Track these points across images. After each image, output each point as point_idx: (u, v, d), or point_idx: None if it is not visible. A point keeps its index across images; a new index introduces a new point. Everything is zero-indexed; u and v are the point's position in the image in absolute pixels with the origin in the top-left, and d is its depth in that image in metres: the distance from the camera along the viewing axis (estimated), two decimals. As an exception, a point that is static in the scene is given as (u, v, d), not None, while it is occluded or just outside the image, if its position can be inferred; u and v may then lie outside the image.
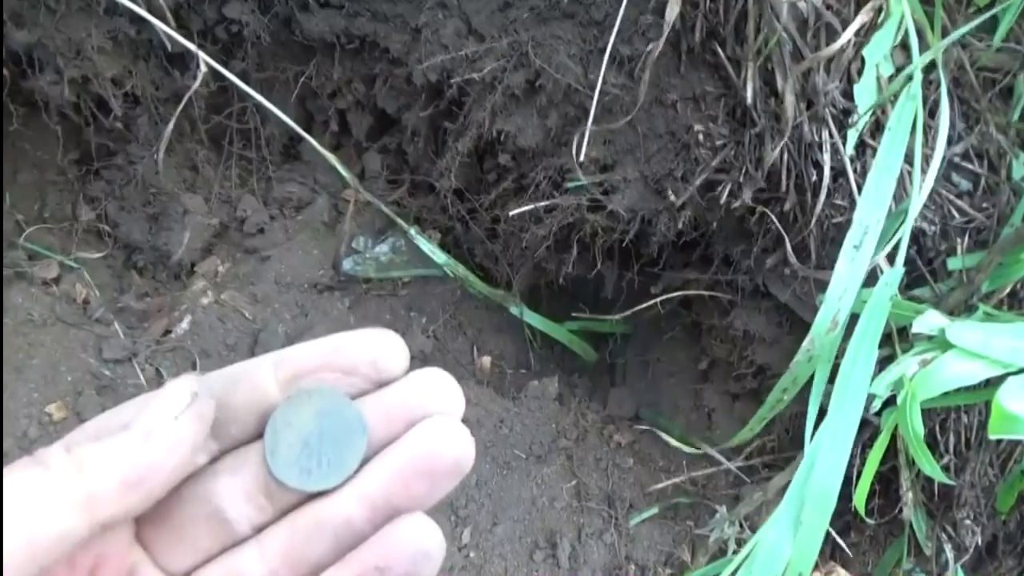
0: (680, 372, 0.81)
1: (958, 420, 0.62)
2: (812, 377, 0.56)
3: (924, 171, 0.56)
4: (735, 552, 0.66)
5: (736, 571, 0.56)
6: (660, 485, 0.74)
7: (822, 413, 0.53)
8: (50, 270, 0.67)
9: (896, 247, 0.55)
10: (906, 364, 0.53)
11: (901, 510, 0.62)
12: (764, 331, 0.69)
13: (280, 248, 0.73)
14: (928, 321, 0.53)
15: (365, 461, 0.25)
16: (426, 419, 0.24)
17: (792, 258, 0.62)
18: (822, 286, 0.57)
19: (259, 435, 0.26)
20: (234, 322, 0.71)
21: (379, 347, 0.25)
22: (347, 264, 0.75)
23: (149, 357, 0.68)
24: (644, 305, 0.72)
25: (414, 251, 0.75)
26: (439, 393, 0.25)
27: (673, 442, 0.73)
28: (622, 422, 0.80)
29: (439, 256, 0.75)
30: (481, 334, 0.80)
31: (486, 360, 0.78)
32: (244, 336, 0.66)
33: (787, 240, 0.61)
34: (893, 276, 0.54)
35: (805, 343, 0.54)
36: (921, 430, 0.52)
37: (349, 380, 0.25)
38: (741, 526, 0.68)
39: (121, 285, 0.73)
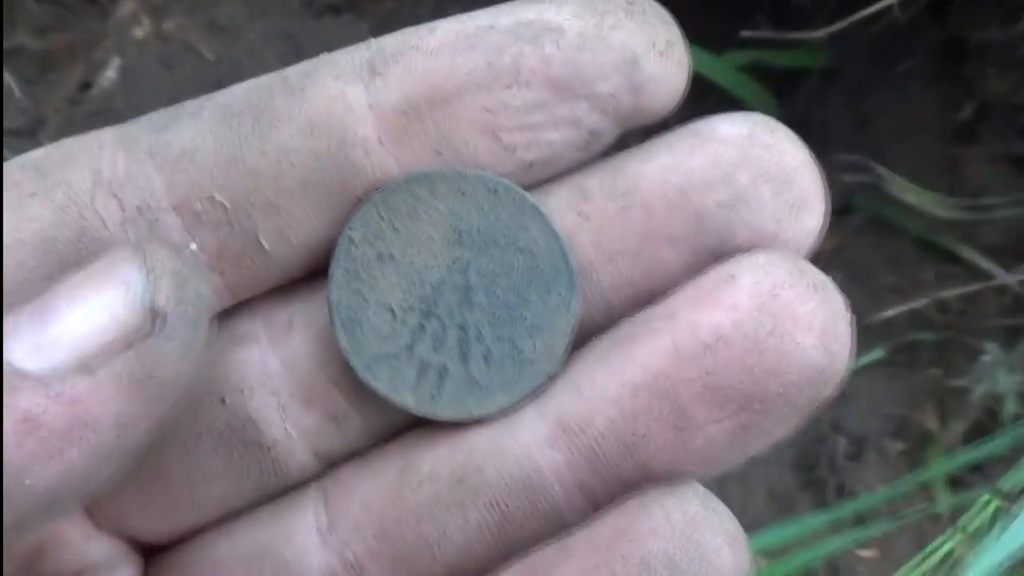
0: (922, 129, 0.74)
1: None
2: None
3: None
4: (1019, 418, 0.64)
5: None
6: (888, 313, 0.69)
7: None
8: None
9: None
10: None
11: None
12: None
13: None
14: None
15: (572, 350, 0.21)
16: (754, 251, 0.19)
17: None
18: None
19: (320, 266, 0.21)
20: (186, 67, 0.69)
21: (642, 30, 0.20)
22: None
23: (62, 126, 0.67)
24: (865, 13, 0.65)
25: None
26: (780, 182, 0.20)
27: (910, 244, 0.71)
28: None
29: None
30: None
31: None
32: (203, 88, 0.59)
33: None
34: None
35: None
36: None
37: (568, 107, 0.20)
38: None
39: (12, 16, 0.70)
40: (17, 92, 0.67)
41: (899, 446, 0.67)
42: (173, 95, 0.60)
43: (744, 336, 0.19)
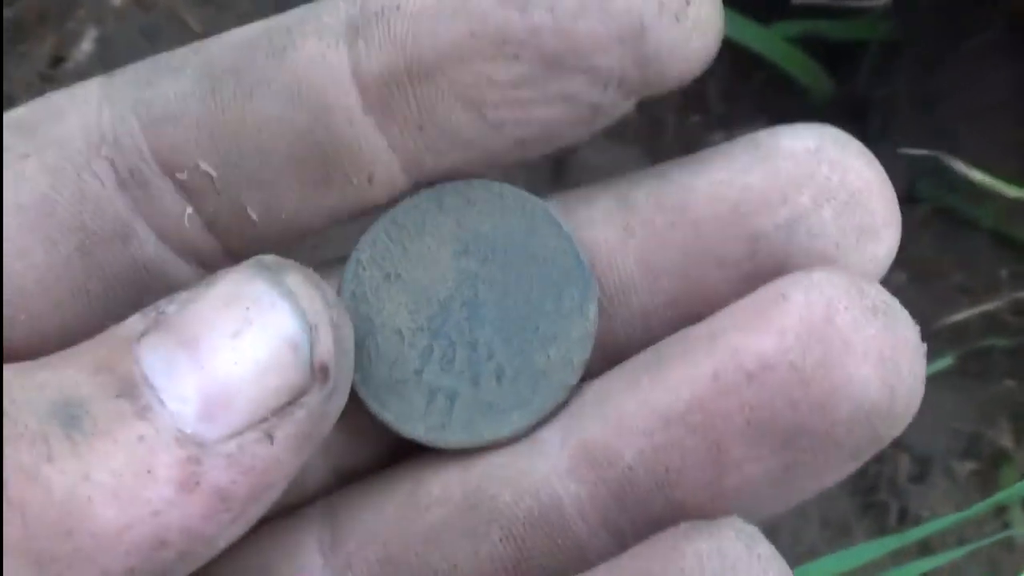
0: (996, 110, 0.72)
1: None
2: None
3: None
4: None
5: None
6: (957, 316, 0.67)
7: None
8: None
9: None
10: None
11: None
12: None
13: None
14: None
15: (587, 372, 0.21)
16: (794, 281, 0.19)
17: None
18: None
19: (313, 237, 0.22)
20: (170, 38, 0.64)
21: None
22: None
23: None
24: None
25: None
26: (845, 204, 0.20)
27: (982, 238, 0.68)
28: None
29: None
30: None
31: (628, 97, 0.65)
32: None
33: None
34: None
35: None
36: None
37: (560, 82, 0.19)
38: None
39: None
40: (-21, 66, 0.64)
41: (969, 466, 0.64)
42: (159, 73, 0.57)
43: (790, 365, 0.18)
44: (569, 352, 0.21)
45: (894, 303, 0.19)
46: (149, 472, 0.17)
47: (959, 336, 0.66)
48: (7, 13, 0.66)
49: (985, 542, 0.60)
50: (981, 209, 0.70)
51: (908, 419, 0.19)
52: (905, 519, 0.62)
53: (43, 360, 0.18)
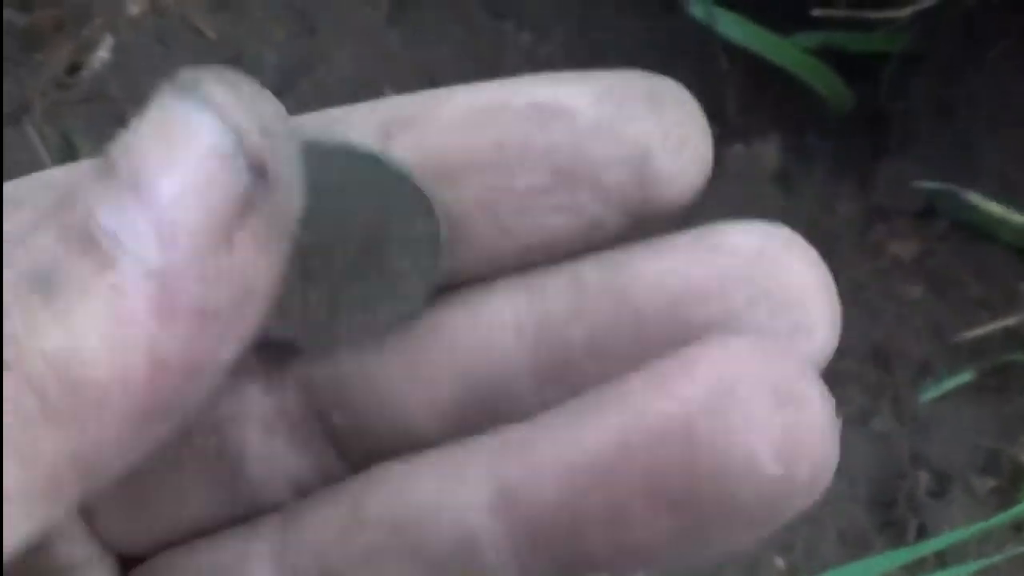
0: (1017, 119, 0.73)
1: None
2: None
3: None
4: None
5: None
6: (977, 331, 0.67)
7: None
8: None
9: None
10: None
11: None
12: None
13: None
14: None
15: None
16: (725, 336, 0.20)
17: None
18: None
19: None
20: (186, 46, 0.69)
21: (659, 123, 0.21)
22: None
23: (48, 111, 0.67)
24: None
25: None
26: (780, 304, 0.20)
27: (1002, 252, 0.70)
28: (901, 219, 0.75)
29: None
30: (633, 59, 0.67)
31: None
32: None
33: None
34: None
35: None
36: None
37: (569, 195, 0.21)
38: None
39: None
40: (-3, 73, 0.68)
41: (989, 482, 0.65)
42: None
43: (688, 432, 0.19)
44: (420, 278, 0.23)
45: (806, 382, 0.19)
46: (129, 313, 0.18)
47: (979, 351, 0.67)
48: (24, 21, 0.67)
49: (998, 558, 0.60)
50: (1001, 224, 0.71)
51: (815, 496, 0.19)
52: (924, 535, 0.62)
53: (19, 235, 0.20)
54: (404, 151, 0.22)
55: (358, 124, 0.22)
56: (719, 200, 0.63)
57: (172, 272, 0.18)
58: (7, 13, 0.69)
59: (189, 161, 0.19)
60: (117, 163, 0.19)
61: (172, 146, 0.19)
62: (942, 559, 0.62)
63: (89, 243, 0.18)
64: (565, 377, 0.22)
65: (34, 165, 0.65)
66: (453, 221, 0.22)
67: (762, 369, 0.19)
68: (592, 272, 0.22)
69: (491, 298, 0.23)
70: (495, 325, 0.23)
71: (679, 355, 0.20)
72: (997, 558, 0.61)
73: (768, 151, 0.75)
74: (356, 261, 0.23)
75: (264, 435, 0.23)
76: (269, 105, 0.19)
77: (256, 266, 0.19)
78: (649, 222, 0.22)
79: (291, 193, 0.20)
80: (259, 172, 0.19)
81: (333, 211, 0.23)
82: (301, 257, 0.23)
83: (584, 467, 0.20)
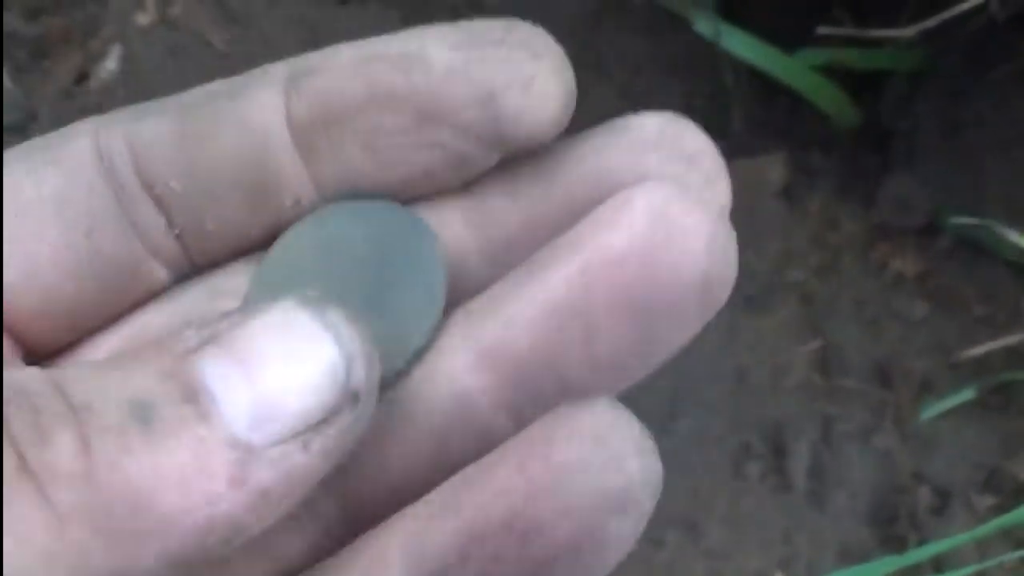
0: (1022, 138, 0.73)
1: None
2: None
3: None
4: None
5: None
6: (979, 349, 0.67)
7: None
8: None
9: None
10: None
11: None
12: None
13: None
14: None
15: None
16: (629, 191, 0.23)
17: None
18: None
19: (258, 246, 0.26)
20: (194, 57, 0.69)
21: (504, 66, 0.24)
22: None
23: (56, 122, 0.64)
24: (958, 10, 0.64)
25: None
26: (688, 162, 0.24)
27: (1006, 270, 0.69)
28: (905, 236, 0.75)
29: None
30: (639, 75, 0.76)
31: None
32: (212, 81, 0.58)
33: None
34: None
35: None
36: None
37: (431, 133, 0.24)
38: None
39: (3, -1, 0.71)
40: (7, 83, 0.66)
41: (989, 500, 0.65)
42: (179, 88, 0.62)
43: (641, 251, 0.23)
44: (424, 313, 0.25)
45: (712, 199, 0.24)
46: (206, 468, 0.20)
47: (981, 369, 0.67)
48: (32, 30, 0.67)
49: (993, 561, 0.60)
50: (1005, 242, 0.70)
51: (732, 280, 0.23)
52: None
53: (112, 362, 0.22)
54: (304, 98, 0.25)
55: (275, 75, 0.25)
56: (723, 215, 0.68)
57: (253, 449, 0.20)
58: (16, 22, 0.69)
59: (306, 366, 0.21)
60: (226, 338, 0.21)
61: (293, 347, 0.21)
62: (939, 564, 0.63)
63: (191, 393, 0.20)
64: (511, 253, 0.25)
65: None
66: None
67: (681, 193, 0.23)
68: (523, 166, 0.25)
69: (438, 207, 0.26)
70: (444, 223, 0.26)
71: (615, 198, 0.24)
72: (991, 563, 0.61)
73: (773, 167, 0.75)
74: (366, 301, 0.25)
75: None
76: (373, 348, 0.22)
77: (317, 469, 0.21)
78: (519, 155, 0.25)
79: (366, 421, 0.22)
80: (353, 398, 0.21)
81: (348, 258, 0.26)
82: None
83: (558, 304, 0.24)
